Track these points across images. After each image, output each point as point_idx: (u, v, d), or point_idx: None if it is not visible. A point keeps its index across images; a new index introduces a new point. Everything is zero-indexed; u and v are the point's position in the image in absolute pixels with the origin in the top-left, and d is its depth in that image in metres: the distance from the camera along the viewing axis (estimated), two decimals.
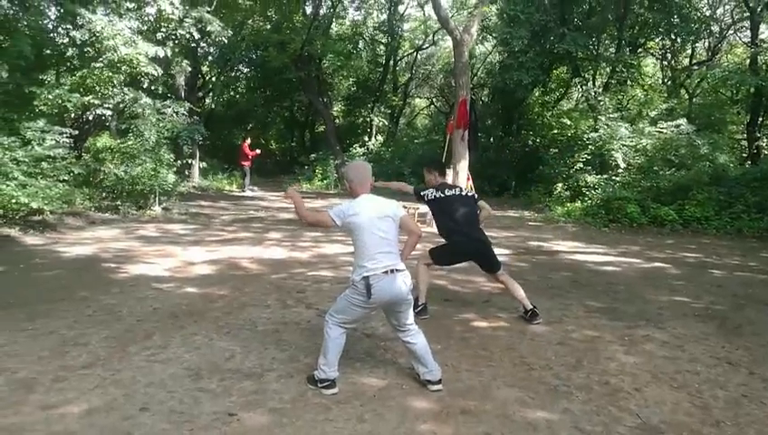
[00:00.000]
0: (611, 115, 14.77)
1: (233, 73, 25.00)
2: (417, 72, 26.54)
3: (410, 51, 26.12)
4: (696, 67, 20.20)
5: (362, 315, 3.49)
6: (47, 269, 6.37)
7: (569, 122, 17.67)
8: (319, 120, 26.63)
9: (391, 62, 25.21)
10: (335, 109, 26.00)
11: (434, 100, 27.94)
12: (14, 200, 7.93)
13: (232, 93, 27.12)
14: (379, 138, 24.31)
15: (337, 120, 25.11)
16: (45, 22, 11.83)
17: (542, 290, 6.11)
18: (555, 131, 18.83)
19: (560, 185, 14.57)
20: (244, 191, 16.93)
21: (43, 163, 9.00)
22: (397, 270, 3.31)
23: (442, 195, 4.89)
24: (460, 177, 11.07)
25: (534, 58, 16.72)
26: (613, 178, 13.34)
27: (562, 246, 9.38)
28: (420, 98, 29.45)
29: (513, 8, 15.90)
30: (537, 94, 20.41)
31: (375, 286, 3.22)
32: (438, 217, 4.98)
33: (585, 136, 15.06)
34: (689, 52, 20.50)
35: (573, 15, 17.38)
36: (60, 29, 11.62)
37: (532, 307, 4.92)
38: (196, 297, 5.34)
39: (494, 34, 19.54)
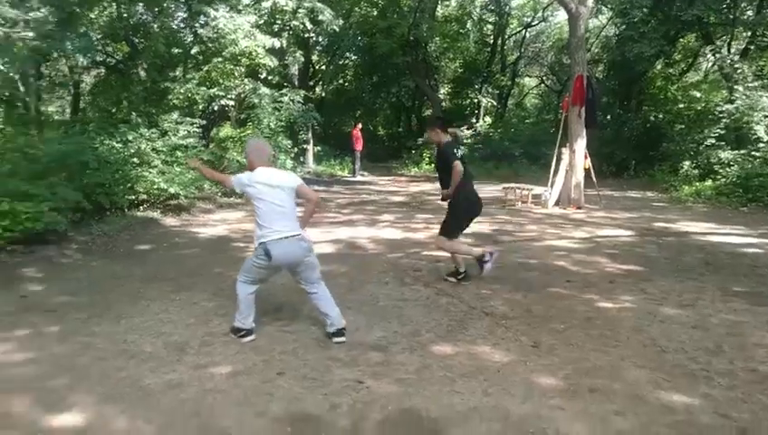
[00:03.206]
0: (751, 84, 13.32)
1: (341, 61, 25.59)
2: (527, 51, 25.62)
3: (519, 29, 25.25)
4: None
5: (267, 275, 3.83)
6: (185, 248, 7.00)
7: (699, 95, 16.20)
8: (426, 103, 26.62)
9: (499, 42, 24.53)
10: (442, 92, 25.81)
11: (544, 78, 26.84)
12: (155, 186, 8.77)
13: (341, 81, 27.81)
14: (487, 119, 23.85)
15: (444, 103, 24.91)
16: (174, 23, 12.86)
17: (670, 272, 5.74)
18: (681, 105, 17.34)
19: (687, 163, 13.50)
20: (354, 176, 17.40)
21: (177, 152, 9.85)
22: (292, 236, 3.61)
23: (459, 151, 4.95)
24: (577, 155, 10.57)
25: (657, 27, 15.45)
26: (753, 153, 12.05)
27: (692, 226, 8.68)
28: (530, 77, 28.43)
29: None
30: (660, 67, 18.88)
31: (273, 251, 3.55)
32: (463, 175, 4.90)
33: (718, 109, 13.74)
34: None
35: None
36: (187, 28, 12.59)
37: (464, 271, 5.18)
38: None
39: (609, 5, 18.31)
